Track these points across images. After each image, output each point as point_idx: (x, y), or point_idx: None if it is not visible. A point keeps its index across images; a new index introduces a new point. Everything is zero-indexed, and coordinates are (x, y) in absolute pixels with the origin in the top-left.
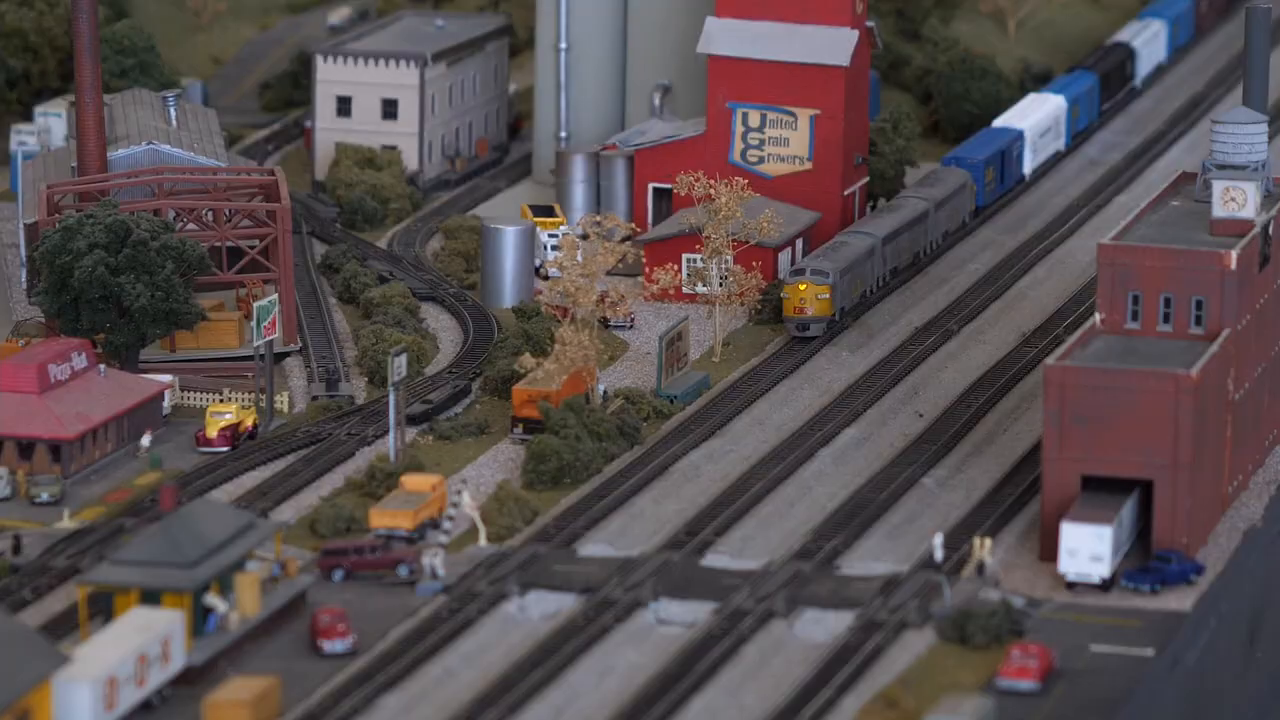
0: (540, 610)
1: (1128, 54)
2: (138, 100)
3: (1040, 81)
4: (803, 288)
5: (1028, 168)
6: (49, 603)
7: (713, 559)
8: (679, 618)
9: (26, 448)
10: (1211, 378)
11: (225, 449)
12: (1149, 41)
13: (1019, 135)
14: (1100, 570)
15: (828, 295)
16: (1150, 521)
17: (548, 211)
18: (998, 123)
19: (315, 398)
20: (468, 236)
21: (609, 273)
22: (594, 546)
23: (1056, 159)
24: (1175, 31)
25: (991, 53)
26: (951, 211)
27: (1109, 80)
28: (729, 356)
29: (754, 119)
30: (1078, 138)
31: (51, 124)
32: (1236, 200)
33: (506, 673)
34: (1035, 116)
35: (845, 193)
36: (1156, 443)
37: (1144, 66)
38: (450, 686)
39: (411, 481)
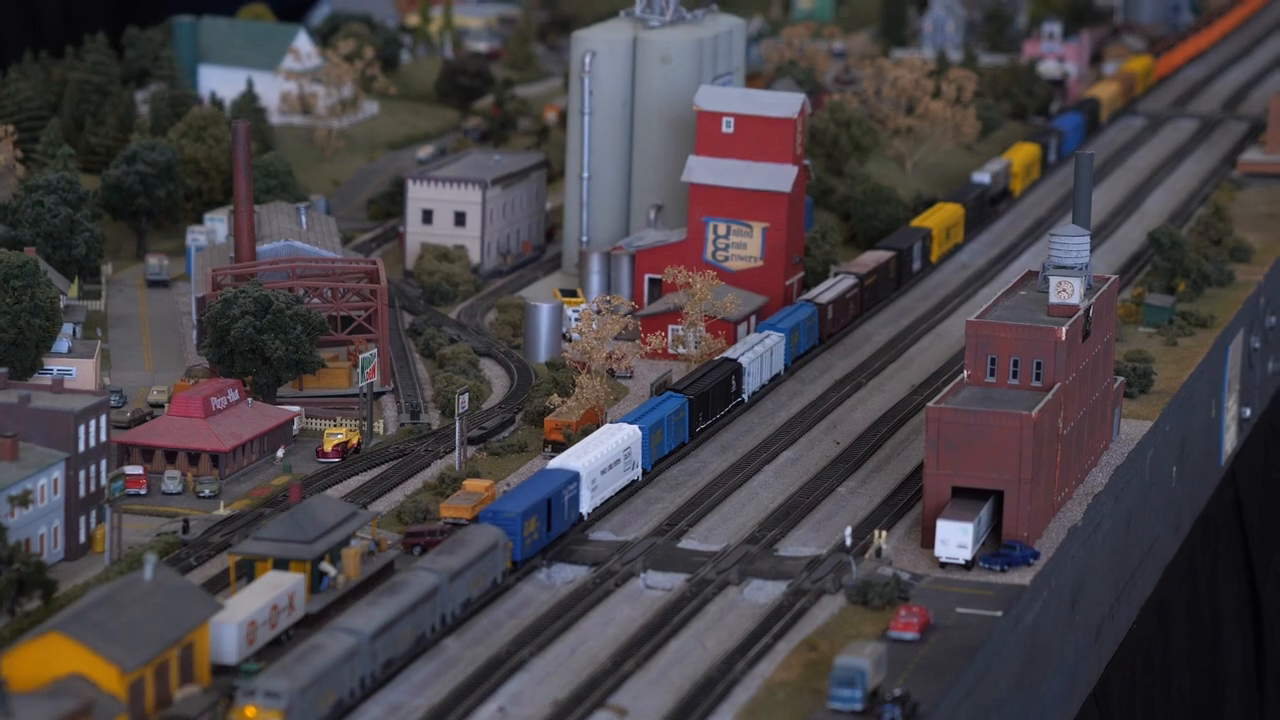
0: (561, 578)
1: (734, 369)
2: (279, 210)
3: (928, 205)
4: (250, 714)
5: (586, 507)
6: (208, 567)
7: (687, 543)
8: (661, 584)
9: (194, 456)
10: (1047, 418)
11: (337, 460)
12: (760, 355)
13: (574, 477)
14: (965, 554)
15: None
16: (1001, 520)
17: (572, 294)
18: (554, 464)
19: (403, 424)
20: (514, 311)
21: (615, 337)
22: (601, 533)
23: (631, 489)
24: (795, 341)
25: (893, 185)
26: (476, 576)
27: (707, 399)
28: None
29: (722, 229)
30: (662, 462)
31: (216, 226)
32: (1066, 291)
33: (537, 621)
34: (596, 452)
35: (786, 283)
36: (1006, 463)
37: (753, 381)
38: (496, 632)
39: (471, 484)
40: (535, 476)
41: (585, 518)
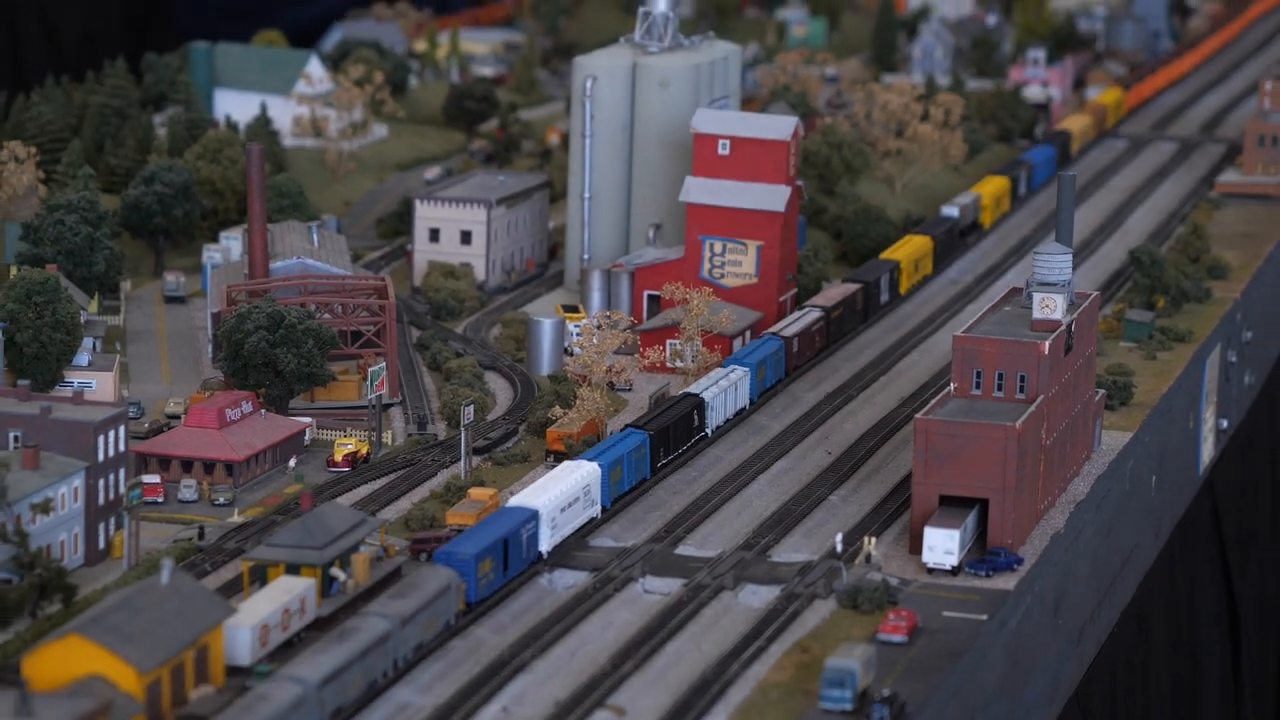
0: (563, 582)
1: (697, 404)
2: (291, 229)
3: (916, 225)
4: None
5: (545, 545)
6: (223, 572)
7: (683, 549)
8: (659, 589)
9: (209, 466)
10: (1030, 429)
11: (347, 469)
12: (725, 390)
13: (532, 515)
14: (951, 560)
15: None
16: (986, 527)
17: (574, 309)
18: (513, 501)
19: (410, 435)
20: (518, 326)
21: (615, 352)
22: (601, 539)
23: (590, 525)
24: (761, 375)
25: (883, 205)
26: (429, 620)
27: (671, 434)
28: None
29: (718, 247)
30: (621, 500)
31: (231, 245)
32: (1049, 307)
33: (539, 625)
34: (556, 490)
35: (780, 299)
36: (991, 473)
37: (717, 416)
38: (501, 635)
39: (476, 493)
40: (494, 515)
41: (544, 556)
